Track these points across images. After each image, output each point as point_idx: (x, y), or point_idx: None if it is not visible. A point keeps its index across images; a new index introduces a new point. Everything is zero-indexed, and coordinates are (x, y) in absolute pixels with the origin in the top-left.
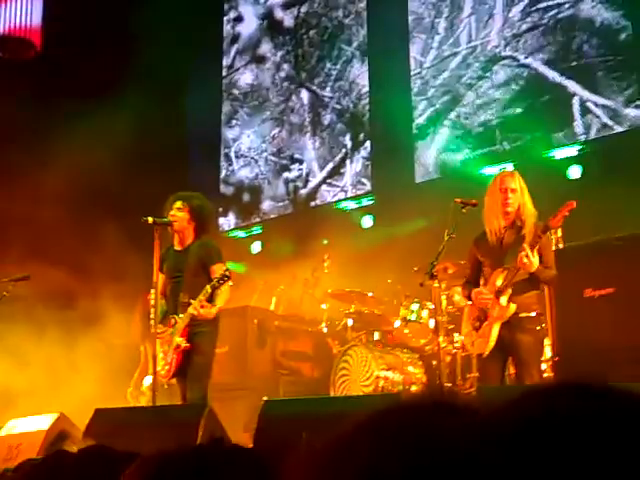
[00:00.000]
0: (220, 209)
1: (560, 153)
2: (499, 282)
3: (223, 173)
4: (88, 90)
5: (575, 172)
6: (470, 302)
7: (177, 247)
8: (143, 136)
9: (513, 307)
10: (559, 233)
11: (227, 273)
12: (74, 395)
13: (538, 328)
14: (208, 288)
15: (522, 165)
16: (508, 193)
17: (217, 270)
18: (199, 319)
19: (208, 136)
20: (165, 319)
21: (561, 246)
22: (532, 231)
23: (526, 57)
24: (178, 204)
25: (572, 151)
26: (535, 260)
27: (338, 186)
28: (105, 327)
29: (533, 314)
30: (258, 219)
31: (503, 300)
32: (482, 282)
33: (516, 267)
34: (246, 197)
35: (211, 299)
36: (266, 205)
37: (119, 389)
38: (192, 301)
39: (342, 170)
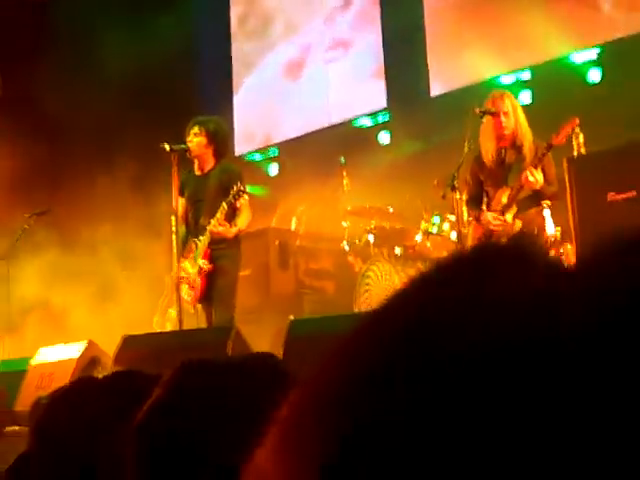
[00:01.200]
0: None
1: (580, 57)
2: (504, 200)
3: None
4: None
5: (595, 76)
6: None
7: (197, 172)
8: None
9: (519, 224)
10: (581, 139)
11: (242, 188)
12: (102, 323)
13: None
14: (225, 205)
15: (541, 71)
16: (501, 116)
17: (234, 188)
18: (219, 239)
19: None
20: (186, 244)
21: (583, 151)
22: (532, 149)
23: None
24: (195, 129)
25: (592, 54)
26: (540, 177)
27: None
28: (130, 256)
29: (536, 231)
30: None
31: (509, 217)
32: (485, 200)
33: (520, 185)
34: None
35: (231, 219)
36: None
37: (146, 317)
38: (211, 220)
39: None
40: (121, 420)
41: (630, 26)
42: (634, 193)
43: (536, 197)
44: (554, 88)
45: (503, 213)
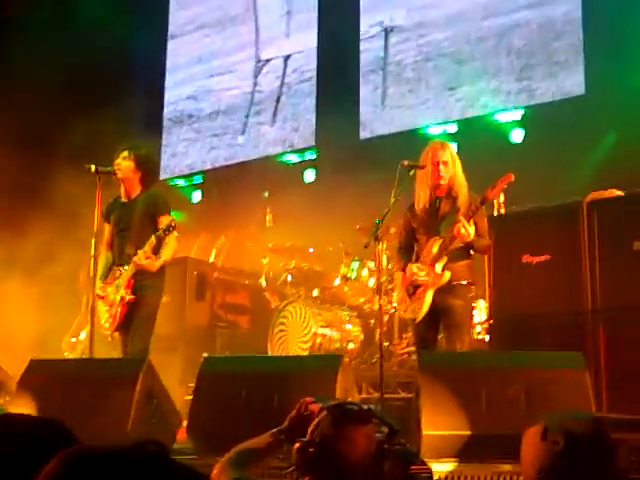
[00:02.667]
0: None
1: (504, 116)
2: (434, 250)
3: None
4: None
5: (518, 136)
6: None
7: (124, 199)
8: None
9: (448, 275)
10: (502, 198)
11: (173, 224)
12: (10, 341)
13: (469, 295)
14: (153, 239)
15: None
16: (440, 165)
17: (164, 221)
18: (144, 270)
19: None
20: (110, 271)
21: (502, 211)
22: (466, 202)
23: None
24: (125, 153)
25: (516, 115)
26: (471, 230)
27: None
28: (48, 273)
29: (464, 282)
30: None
31: (438, 267)
32: (416, 248)
33: (452, 236)
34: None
35: (157, 251)
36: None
37: (57, 337)
38: (139, 251)
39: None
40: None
41: (552, 92)
42: (547, 257)
43: (466, 249)
44: (478, 143)
45: (433, 263)
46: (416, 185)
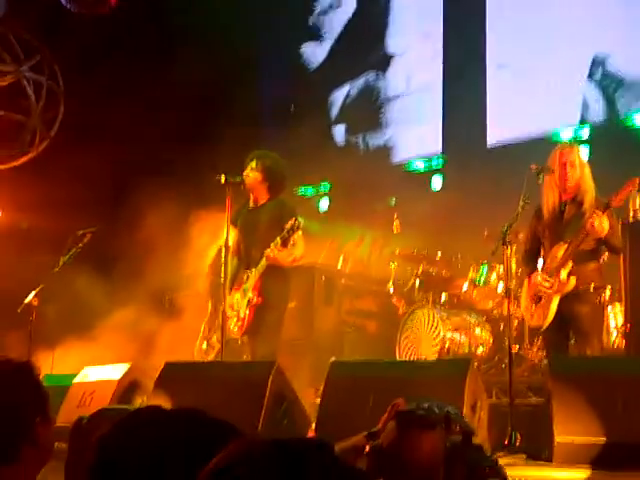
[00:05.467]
0: None
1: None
2: (559, 255)
3: None
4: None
5: None
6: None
7: (251, 205)
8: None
9: (573, 281)
10: (638, 201)
11: (296, 223)
12: (142, 346)
13: (597, 300)
14: (278, 240)
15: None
16: (567, 167)
17: (288, 223)
18: (271, 271)
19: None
20: (237, 276)
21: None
22: (592, 205)
23: None
24: (252, 164)
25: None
26: (606, 225)
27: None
28: (172, 281)
29: (592, 287)
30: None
31: (563, 274)
32: (542, 253)
33: (582, 237)
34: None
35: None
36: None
37: (187, 342)
38: (271, 244)
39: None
40: (187, 458)
41: None
42: None
43: (594, 252)
44: (612, 147)
45: (558, 270)
46: (544, 189)
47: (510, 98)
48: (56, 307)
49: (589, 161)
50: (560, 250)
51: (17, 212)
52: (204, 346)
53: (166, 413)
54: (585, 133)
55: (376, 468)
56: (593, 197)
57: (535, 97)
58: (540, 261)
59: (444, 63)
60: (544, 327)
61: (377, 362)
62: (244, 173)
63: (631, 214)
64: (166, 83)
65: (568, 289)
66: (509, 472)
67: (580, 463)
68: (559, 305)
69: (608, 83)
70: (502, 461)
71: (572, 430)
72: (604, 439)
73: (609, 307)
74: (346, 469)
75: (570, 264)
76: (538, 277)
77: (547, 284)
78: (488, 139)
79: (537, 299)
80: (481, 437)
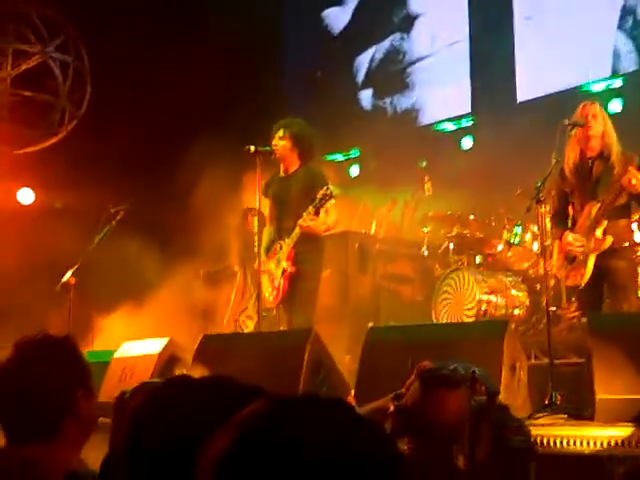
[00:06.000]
0: None
1: None
2: (593, 214)
3: None
4: None
5: None
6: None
7: (282, 174)
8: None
9: (610, 240)
10: None
11: (329, 192)
12: (174, 320)
13: (634, 256)
14: (311, 209)
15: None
16: (590, 120)
17: (320, 192)
18: (305, 240)
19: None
20: (271, 246)
21: None
22: (620, 159)
23: None
24: (280, 133)
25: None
26: None
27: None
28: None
29: (627, 244)
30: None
31: (598, 233)
32: (572, 213)
33: (619, 191)
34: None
35: None
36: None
37: (216, 311)
38: (303, 214)
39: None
40: (219, 425)
41: None
42: None
43: (625, 208)
44: None
45: (593, 228)
46: (566, 148)
47: (539, 51)
48: (94, 284)
49: (622, 112)
50: (594, 208)
51: (50, 192)
52: (242, 317)
53: (197, 381)
54: (617, 84)
55: (401, 428)
56: (619, 151)
57: (565, 49)
58: (570, 222)
59: (470, 19)
60: (582, 286)
61: (414, 326)
62: (272, 143)
63: None
64: (191, 52)
65: (605, 247)
66: (550, 432)
67: (622, 420)
68: (595, 262)
69: (639, 32)
70: (543, 421)
71: (613, 387)
72: None
73: None
74: (366, 425)
75: (605, 222)
76: (569, 237)
77: (578, 243)
78: (518, 95)
79: (571, 259)
80: (521, 398)
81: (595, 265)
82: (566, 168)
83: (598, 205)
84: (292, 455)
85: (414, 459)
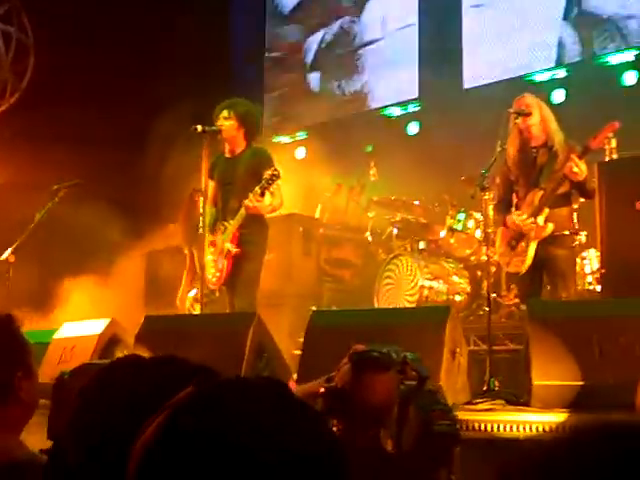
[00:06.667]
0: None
1: (616, 58)
2: (536, 201)
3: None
4: None
5: (631, 78)
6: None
7: (227, 155)
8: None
9: (551, 227)
10: (613, 143)
11: (276, 173)
12: (122, 300)
13: (573, 245)
14: (257, 189)
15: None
16: (523, 109)
17: (267, 173)
18: (249, 222)
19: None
20: (215, 227)
21: (615, 157)
22: (564, 148)
23: None
24: (225, 113)
25: (629, 56)
26: (583, 167)
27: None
28: (149, 233)
29: (567, 232)
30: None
31: (540, 220)
32: (515, 201)
33: (561, 179)
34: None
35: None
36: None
37: (165, 294)
38: (249, 194)
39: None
40: (160, 406)
41: None
42: None
43: (567, 196)
44: (588, 88)
45: (534, 216)
46: (509, 136)
47: (486, 39)
48: (33, 265)
49: (565, 102)
50: (536, 196)
51: None
52: (190, 299)
53: (144, 360)
54: (561, 74)
55: (329, 409)
56: (561, 139)
57: (511, 38)
58: (513, 209)
59: (419, 4)
60: (522, 272)
61: (357, 311)
62: (217, 124)
63: (607, 155)
64: (139, 30)
65: (546, 234)
66: (488, 417)
67: (558, 406)
68: (536, 250)
69: (584, 22)
70: (482, 406)
71: (550, 374)
72: (581, 382)
73: (584, 252)
74: (296, 407)
75: (547, 210)
76: (514, 216)
77: (524, 216)
78: (465, 81)
79: (514, 245)
80: (461, 383)
81: (535, 252)
82: (508, 158)
83: (541, 193)
84: (217, 440)
85: (342, 441)
